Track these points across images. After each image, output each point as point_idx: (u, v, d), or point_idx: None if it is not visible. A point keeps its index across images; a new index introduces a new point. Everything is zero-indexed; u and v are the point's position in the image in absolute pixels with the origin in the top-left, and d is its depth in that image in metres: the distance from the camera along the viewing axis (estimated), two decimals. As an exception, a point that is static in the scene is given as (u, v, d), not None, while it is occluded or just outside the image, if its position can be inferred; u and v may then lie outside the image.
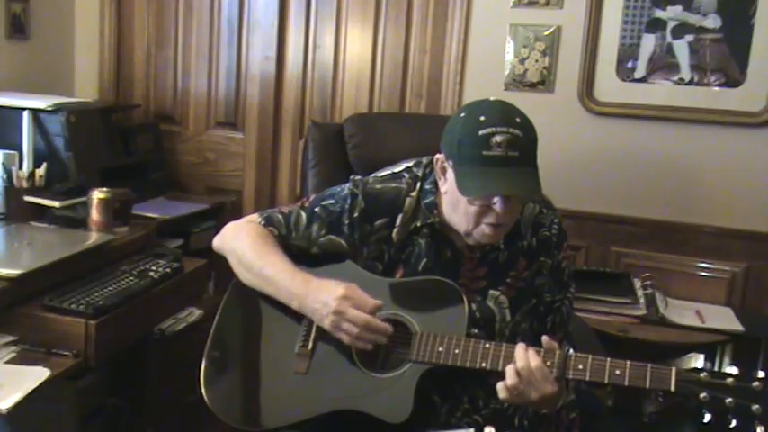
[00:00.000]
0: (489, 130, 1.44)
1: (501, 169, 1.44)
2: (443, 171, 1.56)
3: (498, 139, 1.43)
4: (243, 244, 1.65)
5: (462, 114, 1.50)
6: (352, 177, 1.71)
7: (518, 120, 1.46)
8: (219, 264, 1.78)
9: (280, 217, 1.69)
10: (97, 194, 2.35)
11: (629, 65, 2.77)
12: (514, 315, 1.60)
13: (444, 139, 1.54)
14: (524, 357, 1.42)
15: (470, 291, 1.59)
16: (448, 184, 1.55)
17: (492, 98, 1.54)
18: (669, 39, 2.71)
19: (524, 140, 1.45)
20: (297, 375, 1.58)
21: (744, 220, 2.72)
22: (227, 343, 1.69)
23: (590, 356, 1.43)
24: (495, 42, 2.87)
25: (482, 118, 1.45)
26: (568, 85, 2.82)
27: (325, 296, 1.53)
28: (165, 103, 3.34)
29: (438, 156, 1.57)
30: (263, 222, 1.69)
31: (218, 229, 1.78)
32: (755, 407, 1.32)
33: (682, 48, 2.71)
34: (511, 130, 1.44)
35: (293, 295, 1.58)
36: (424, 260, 1.60)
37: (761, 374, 1.35)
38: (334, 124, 2.72)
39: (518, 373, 1.41)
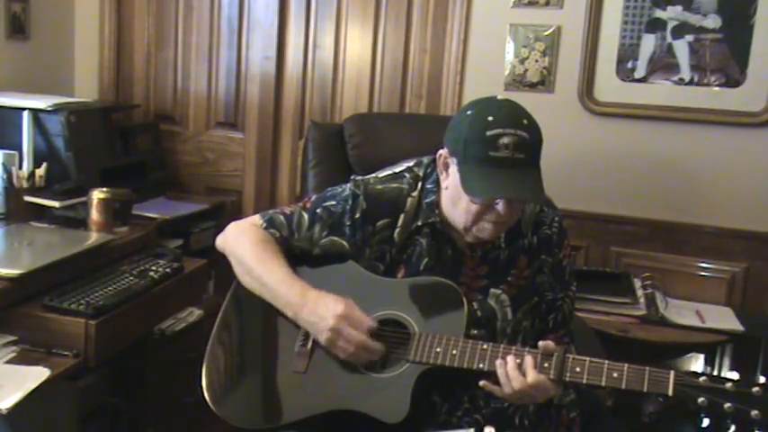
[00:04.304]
0: (497, 131, 1.44)
1: (506, 171, 1.44)
2: (446, 167, 1.56)
3: (506, 140, 1.43)
4: (243, 249, 1.66)
5: (469, 112, 1.50)
6: (353, 178, 1.70)
7: (525, 121, 1.47)
8: (219, 264, 1.78)
9: (282, 218, 1.69)
10: (97, 194, 2.35)
11: (629, 65, 2.77)
12: (516, 313, 1.60)
13: (449, 135, 1.53)
14: (519, 378, 1.42)
15: (472, 289, 1.59)
16: (450, 180, 1.55)
17: (500, 97, 1.55)
18: (669, 39, 2.71)
19: (531, 142, 1.46)
20: (296, 374, 1.58)
21: (744, 220, 2.72)
22: (229, 342, 1.70)
23: (588, 359, 1.42)
24: (495, 42, 2.87)
25: (490, 118, 1.45)
26: (568, 85, 2.83)
27: (323, 311, 1.54)
28: (165, 103, 3.34)
29: (441, 151, 1.57)
30: (264, 225, 1.69)
31: (218, 229, 1.78)
32: (754, 412, 1.31)
33: (682, 48, 2.71)
34: (518, 132, 1.44)
35: (289, 305, 1.59)
36: (426, 259, 1.60)
37: (761, 380, 1.34)
38: (335, 124, 2.72)
39: (517, 391, 1.42)
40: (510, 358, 1.44)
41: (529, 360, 1.43)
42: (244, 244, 1.66)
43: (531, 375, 1.41)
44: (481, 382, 1.45)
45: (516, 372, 1.42)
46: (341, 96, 3.12)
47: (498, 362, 1.44)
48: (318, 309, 1.54)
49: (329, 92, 3.13)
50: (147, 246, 2.46)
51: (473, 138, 1.46)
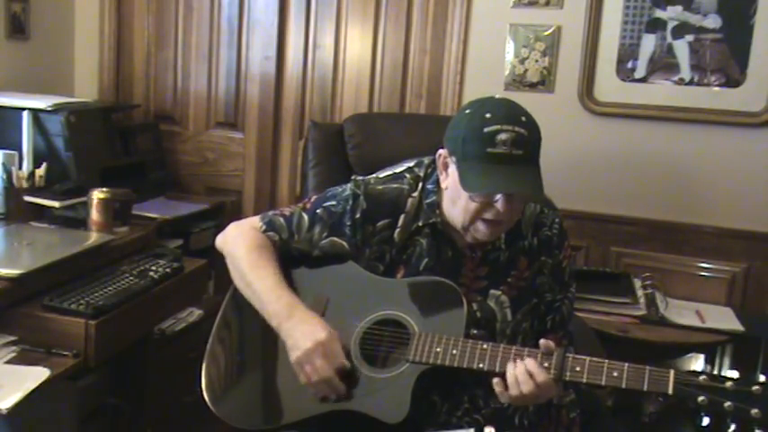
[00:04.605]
0: (495, 127, 1.44)
1: (505, 167, 1.44)
2: (445, 166, 1.56)
3: (503, 136, 1.43)
4: (239, 252, 1.66)
5: (467, 111, 1.50)
6: (353, 178, 1.70)
7: (523, 118, 1.47)
8: (219, 264, 1.78)
9: (281, 220, 1.69)
10: (97, 194, 2.35)
11: (629, 65, 2.77)
12: (515, 315, 1.60)
13: (448, 134, 1.54)
14: (529, 382, 1.41)
15: (471, 290, 1.59)
16: (449, 180, 1.55)
17: (497, 96, 1.55)
18: (669, 39, 2.71)
19: (529, 139, 1.46)
20: (296, 375, 1.58)
21: (744, 220, 2.72)
22: (228, 342, 1.70)
23: (588, 358, 1.42)
24: (495, 42, 2.87)
25: (488, 115, 1.46)
26: (568, 85, 2.83)
27: (305, 330, 1.53)
28: (165, 103, 3.34)
29: (441, 151, 1.57)
30: (263, 227, 1.69)
31: (218, 229, 1.78)
32: (754, 411, 1.31)
33: (682, 48, 2.71)
34: (516, 128, 1.44)
35: (275, 314, 1.58)
36: (426, 260, 1.60)
37: (761, 378, 1.34)
38: (335, 124, 2.72)
39: (525, 395, 1.42)
40: (519, 362, 1.43)
41: (531, 361, 1.43)
42: (240, 247, 1.66)
43: (541, 376, 1.41)
44: (494, 380, 1.44)
45: (526, 375, 1.42)
46: (341, 96, 3.12)
47: (509, 365, 1.44)
48: (301, 327, 1.54)
49: (329, 92, 3.13)
50: (146, 246, 2.46)
51: (471, 135, 1.46)
